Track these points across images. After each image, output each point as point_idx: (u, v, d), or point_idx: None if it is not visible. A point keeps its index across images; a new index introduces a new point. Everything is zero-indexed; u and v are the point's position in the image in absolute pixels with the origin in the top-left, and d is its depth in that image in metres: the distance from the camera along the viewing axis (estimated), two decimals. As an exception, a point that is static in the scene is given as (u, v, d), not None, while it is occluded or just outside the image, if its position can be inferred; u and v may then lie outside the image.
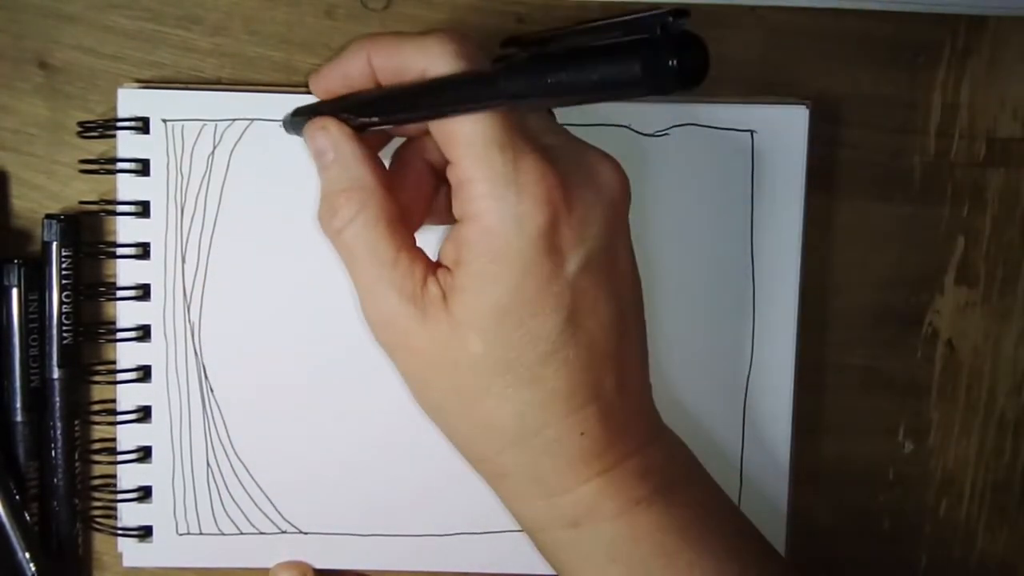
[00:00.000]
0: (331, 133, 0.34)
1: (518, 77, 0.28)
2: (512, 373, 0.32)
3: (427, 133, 0.33)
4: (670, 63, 0.24)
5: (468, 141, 0.31)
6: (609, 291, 0.33)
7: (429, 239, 0.35)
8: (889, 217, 0.45)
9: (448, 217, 0.34)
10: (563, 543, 0.34)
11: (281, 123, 0.40)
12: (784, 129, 0.43)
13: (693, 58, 0.24)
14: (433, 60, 0.31)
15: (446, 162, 0.33)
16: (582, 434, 0.33)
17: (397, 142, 0.38)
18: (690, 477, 0.36)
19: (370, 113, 0.34)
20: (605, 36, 0.26)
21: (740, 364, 0.44)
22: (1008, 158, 0.45)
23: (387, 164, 0.36)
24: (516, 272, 0.31)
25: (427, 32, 0.32)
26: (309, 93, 0.43)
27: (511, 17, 0.44)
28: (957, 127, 0.45)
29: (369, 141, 0.35)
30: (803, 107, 0.43)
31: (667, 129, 0.43)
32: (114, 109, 0.42)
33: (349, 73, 0.34)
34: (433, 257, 0.34)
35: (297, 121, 0.37)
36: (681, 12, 0.25)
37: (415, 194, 0.36)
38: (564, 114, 0.42)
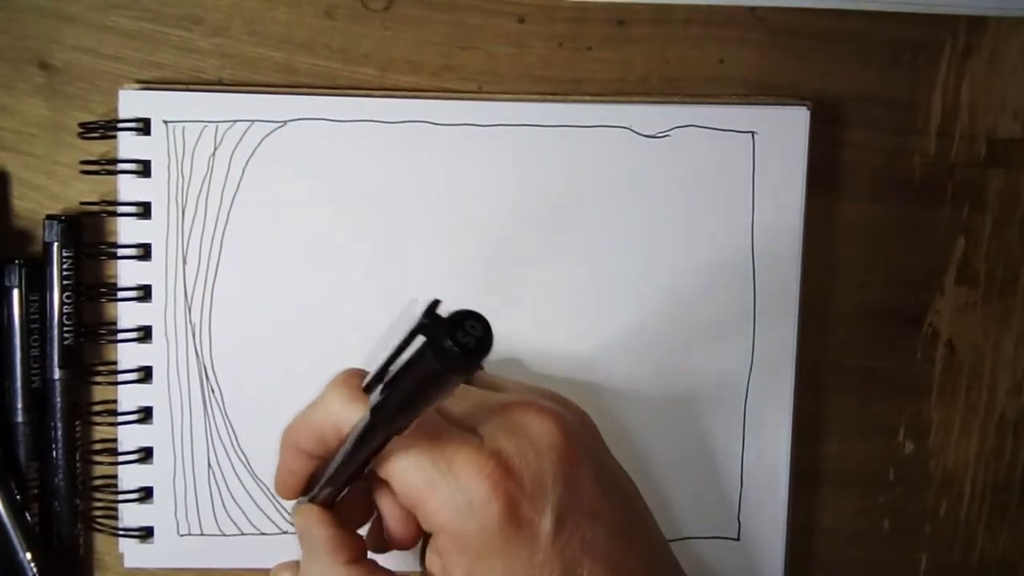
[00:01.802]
0: (303, 517, 0.36)
1: (381, 414, 0.30)
2: None
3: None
4: (447, 345, 0.26)
5: (403, 469, 0.32)
6: (592, 525, 0.33)
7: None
8: (889, 217, 0.45)
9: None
10: None
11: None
12: (785, 130, 0.43)
13: (466, 331, 0.26)
14: (336, 414, 0.33)
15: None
16: None
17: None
18: None
19: (328, 485, 0.35)
20: (411, 350, 0.28)
21: (741, 364, 0.44)
22: (1008, 158, 0.45)
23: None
24: (501, 564, 0.31)
25: (324, 389, 0.34)
26: (310, 94, 0.43)
27: (511, 17, 0.44)
28: (957, 127, 0.45)
29: (351, 507, 0.37)
30: (803, 108, 0.43)
31: (668, 131, 0.43)
32: (115, 110, 0.42)
33: (292, 469, 0.36)
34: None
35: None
36: (433, 304, 0.28)
37: (400, 518, 0.36)
38: (564, 115, 0.43)
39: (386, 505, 0.36)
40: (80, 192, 0.44)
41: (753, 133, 0.43)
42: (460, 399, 0.35)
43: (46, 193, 0.44)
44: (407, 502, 0.33)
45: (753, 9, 0.44)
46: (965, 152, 0.45)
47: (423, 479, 0.32)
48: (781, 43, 0.44)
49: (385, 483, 0.35)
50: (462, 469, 0.32)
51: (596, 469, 0.34)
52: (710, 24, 0.44)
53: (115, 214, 0.43)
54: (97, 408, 0.44)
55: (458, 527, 0.32)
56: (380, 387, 0.30)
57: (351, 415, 0.33)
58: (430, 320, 0.27)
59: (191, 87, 0.43)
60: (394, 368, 0.30)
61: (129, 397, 0.43)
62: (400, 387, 0.29)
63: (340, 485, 0.35)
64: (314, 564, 0.35)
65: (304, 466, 0.36)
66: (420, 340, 0.27)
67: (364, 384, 0.33)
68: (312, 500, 0.36)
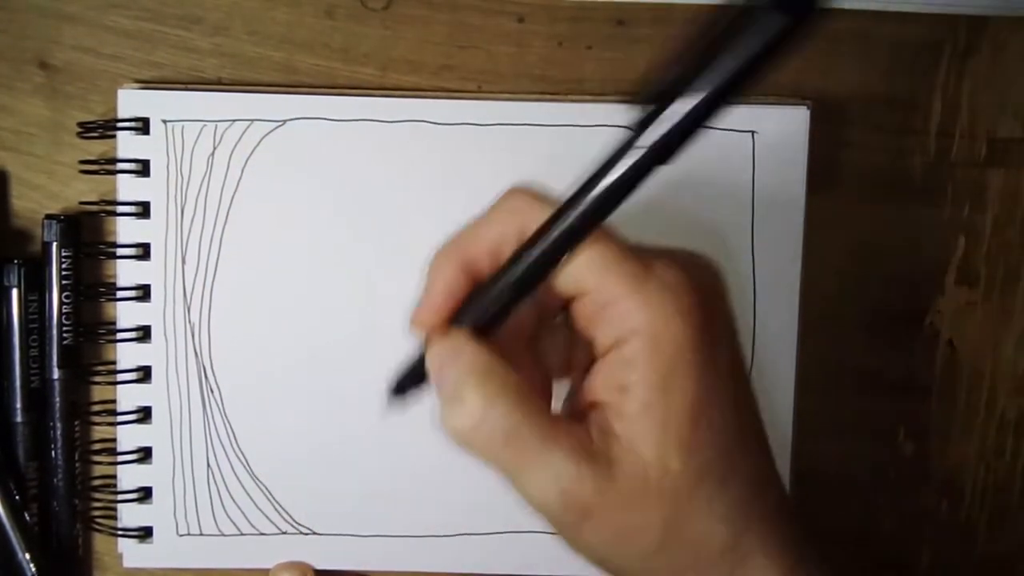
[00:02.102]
0: (454, 344, 0.31)
1: (660, 115, 0.27)
2: (712, 476, 0.30)
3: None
4: None
5: (600, 264, 0.30)
6: (744, 368, 0.32)
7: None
8: (889, 217, 0.45)
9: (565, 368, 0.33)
10: None
11: (390, 397, 0.34)
12: (785, 130, 0.43)
13: None
14: (522, 215, 0.31)
15: (564, 307, 0.31)
16: (777, 510, 0.31)
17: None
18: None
19: (494, 307, 0.31)
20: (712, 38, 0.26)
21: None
22: (1008, 158, 0.45)
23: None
24: (695, 372, 0.29)
25: (494, 204, 0.31)
26: (309, 93, 0.43)
27: (511, 17, 0.44)
28: (957, 127, 0.45)
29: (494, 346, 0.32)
30: (804, 108, 0.43)
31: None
32: (114, 109, 0.42)
33: (450, 290, 0.32)
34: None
35: (410, 378, 0.33)
36: None
37: (528, 361, 0.33)
38: (564, 115, 0.42)
39: (514, 348, 0.32)
40: (79, 192, 0.44)
41: (753, 133, 0.43)
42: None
43: (45, 193, 0.44)
44: (596, 301, 0.30)
45: (753, 9, 0.44)
46: (965, 152, 0.45)
47: (621, 274, 0.29)
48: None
49: (556, 296, 0.31)
50: (661, 271, 0.29)
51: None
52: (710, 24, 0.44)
53: (114, 214, 0.43)
54: (96, 408, 0.44)
55: (658, 329, 0.29)
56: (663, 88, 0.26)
57: (542, 213, 0.30)
58: None
59: (190, 87, 0.43)
60: (688, 59, 0.26)
61: (128, 397, 0.43)
62: (719, 67, 0.25)
63: (507, 304, 0.31)
64: (460, 373, 0.30)
65: (463, 289, 0.31)
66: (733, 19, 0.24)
67: (642, 90, 0.29)
68: None
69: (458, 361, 0.30)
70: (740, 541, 0.30)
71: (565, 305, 0.32)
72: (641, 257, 0.30)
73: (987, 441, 0.46)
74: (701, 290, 0.30)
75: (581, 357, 0.32)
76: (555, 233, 0.30)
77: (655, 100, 0.28)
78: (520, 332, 0.33)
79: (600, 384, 0.30)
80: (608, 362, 0.30)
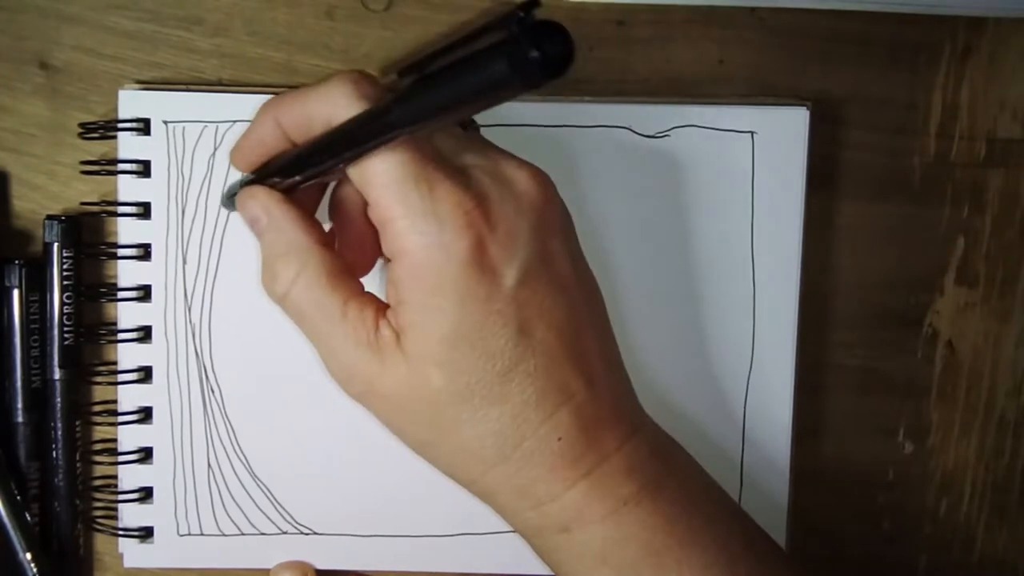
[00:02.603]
0: (260, 200, 0.35)
1: (407, 106, 0.29)
2: (477, 397, 0.32)
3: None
4: (532, 55, 0.24)
5: (382, 181, 0.31)
6: (554, 294, 0.33)
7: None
8: (889, 217, 0.45)
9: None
10: (556, 547, 0.35)
11: (221, 202, 0.41)
12: (784, 131, 0.43)
13: (555, 45, 0.24)
14: (335, 106, 0.32)
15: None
16: (559, 439, 0.33)
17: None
18: (675, 468, 0.36)
19: (291, 173, 0.34)
20: (472, 46, 0.26)
21: (740, 365, 0.44)
22: (1008, 158, 0.45)
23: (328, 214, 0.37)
24: (455, 300, 0.31)
25: (326, 79, 0.33)
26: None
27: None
28: (957, 128, 0.45)
29: (302, 200, 0.35)
30: (803, 109, 0.43)
31: (667, 131, 0.43)
32: (115, 110, 0.42)
33: (263, 140, 0.35)
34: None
35: (233, 198, 0.38)
36: (531, 4, 0.25)
37: (358, 239, 0.36)
38: (564, 115, 0.43)
39: (348, 215, 0.35)
40: (80, 192, 0.44)
41: (753, 133, 0.43)
42: (452, 136, 0.34)
43: (46, 193, 0.44)
44: (376, 215, 0.32)
45: (753, 9, 0.44)
46: (965, 152, 0.45)
47: (400, 195, 0.31)
48: (781, 43, 0.44)
49: (351, 192, 0.34)
50: (442, 196, 0.31)
51: (570, 249, 0.34)
52: (710, 24, 0.44)
53: (115, 214, 0.43)
54: (97, 408, 0.44)
55: (422, 254, 0.31)
56: (415, 77, 0.28)
57: (352, 113, 0.32)
58: (521, 20, 0.24)
59: (191, 87, 0.43)
60: (442, 61, 0.27)
61: (129, 397, 0.43)
62: (445, 84, 0.27)
63: (307, 176, 0.34)
64: (277, 245, 0.34)
65: (275, 142, 0.35)
66: (496, 37, 0.25)
67: (397, 69, 0.31)
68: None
69: (269, 215, 0.34)
70: (516, 453, 0.33)
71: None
72: (430, 177, 0.31)
73: (987, 441, 0.47)
74: (485, 214, 0.31)
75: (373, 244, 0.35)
76: (343, 128, 0.31)
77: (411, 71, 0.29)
78: (353, 204, 0.35)
79: (390, 287, 0.33)
80: (391, 269, 0.33)
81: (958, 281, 0.46)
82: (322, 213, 0.38)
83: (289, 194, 0.35)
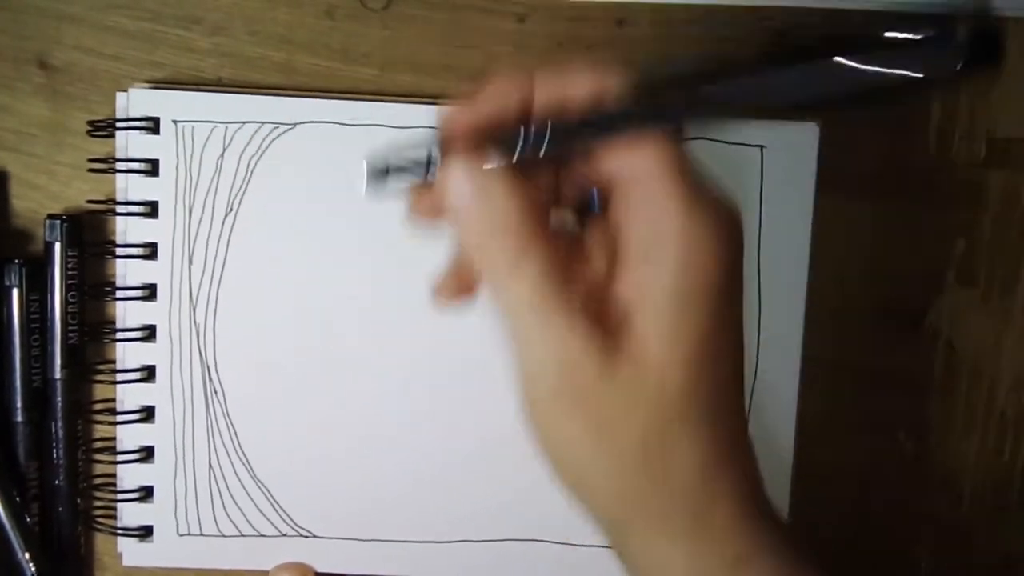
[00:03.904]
0: (480, 173, 0.30)
1: (811, 66, 0.26)
2: (698, 410, 0.29)
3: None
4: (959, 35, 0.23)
5: (664, 161, 0.29)
6: (742, 324, 0.31)
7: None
8: (889, 217, 0.45)
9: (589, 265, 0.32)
10: None
11: (371, 176, 0.33)
12: (794, 146, 0.43)
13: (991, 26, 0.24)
14: (608, 84, 0.29)
15: (602, 200, 0.31)
16: (746, 476, 0.31)
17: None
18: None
19: (539, 146, 0.30)
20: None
21: (744, 366, 0.44)
22: (1008, 158, 0.45)
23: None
24: (715, 301, 0.29)
25: (579, 63, 0.30)
26: (311, 96, 0.43)
27: (511, 17, 0.44)
28: (957, 127, 0.45)
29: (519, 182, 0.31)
30: (813, 124, 0.43)
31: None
32: (115, 110, 0.42)
33: (504, 105, 0.31)
34: None
35: (403, 170, 0.32)
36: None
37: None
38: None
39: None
40: (80, 192, 0.44)
41: (762, 147, 0.43)
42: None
43: (46, 193, 0.44)
44: (649, 195, 0.29)
45: (754, 9, 0.44)
46: (965, 152, 0.45)
47: (683, 181, 0.29)
48: (781, 43, 0.44)
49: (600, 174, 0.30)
50: (718, 198, 0.29)
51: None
52: (710, 24, 0.44)
53: (123, 213, 0.43)
54: (98, 407, 0.44)
55: (699, 245, 0.28)
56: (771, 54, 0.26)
57: (624, 93, 0.29)
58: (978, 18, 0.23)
59: (191, 87, 0.43)
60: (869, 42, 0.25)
61: (131, 396, 0.43)
62: (858, 68, 0.25)
63: (540, 161, 0.30)
64: (502, 217, 0.29)
65: (507, 112, 0.31)
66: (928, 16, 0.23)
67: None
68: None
69: (492, 202, 0.30)
70: (709, 485, 0.30)
71: (602, 188, 0.31)
72: (698, 177, 0.29)
73: (987, 441, 0.46)
74: (733, 234, 0.30)
75: (600, 243, 0.31)
76: (641, 107, 0.29)
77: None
78: (542, 205, 0.32)
79: (624, 286, 0.30)
80: (635, 267, 0.30)
81: (958, 281, 0.46)
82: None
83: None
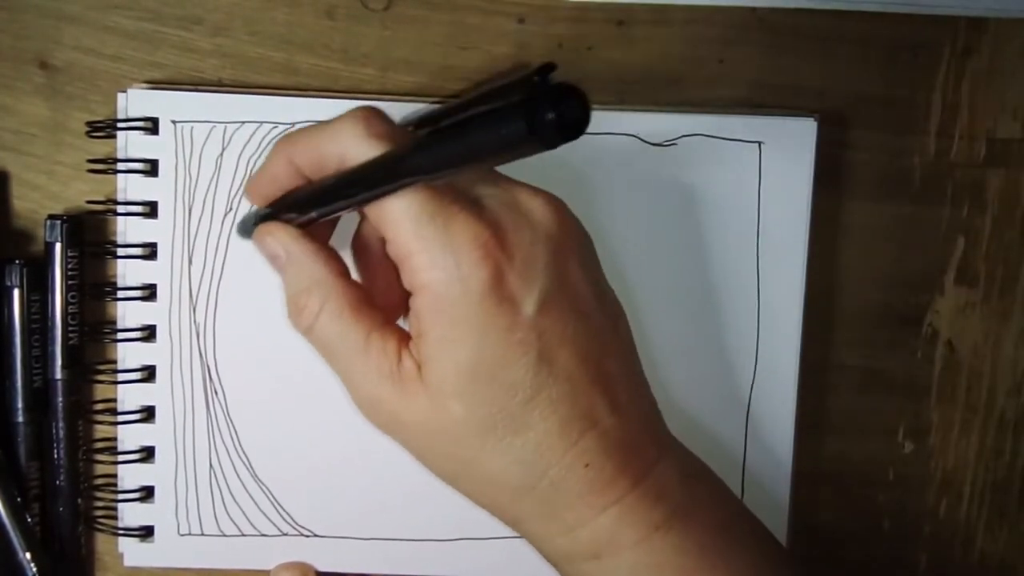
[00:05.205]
0: (278, 236, 0.35)
1: (423, 155, 0.29)
2: (500, 427, 0.32)
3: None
4: (548, 117, 0.25)
5: (398, 218, 0.32)
6: (575, 320, 0.33)
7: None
8: (889, 217, 0.45)
9: None
10: (587, 574, 0.34)
11: (235, 231, 0.42)
12: (792, 141, 0.43)
13: (571, 109, 0.26)
14: (347, 146, 0.32)
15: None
16: (586, 466, 0.33)
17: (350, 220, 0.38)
18: (706, 493, 0.36)
19: (307, 210, 0.35)
20: (490, 103, 0.27)
21: (745, 367, 0.44)
22: (1008, 158, 0.45)
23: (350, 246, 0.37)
24: (475, 332, 0.31)
25: (338, 116, 0.33)
26: (312, 96, 0.43)
27: (511, 18, 0.44)
28: (957, 127, 0.45)
29: (319, 232, 0.36)
30: (811, 120, 0.43)
31: (675, 139, 0.43)
32: (115, 110, 0.42)
33: (277, 176, 0.35)
34: None
35: (247, 229, 0.38)
36: (548, 67, 0.26)
37: (384, 276, 0.36)
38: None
39: (370, 252, 0.36)
40: (80, 192, 0.44)
41: (760, 143, 0.43)
42: None
43: (46, 193, 0.44)
44: (394, 252, 0.33)
45: (753, 9, 0.44)
46: (965, 152, 0.45)
47: (416, 231, 0.31)
48: (781, 44, 0.44)
49: (371, 229, 0.34)
50: (458, 230, 0.31)
51: (590, 275, 0.34)
52: (710, 24, 0.44)
53: (122, 213, 0.43)
54: (99, 407, 0.44)
55: (441, 288, 0.31)
56: (428, 130, 0.29)
57: (363, 153, 0.32)
58: (538, 82, 0.26)
59: (191, 87, 0.43)
60: (458, 116, 0.28)
61: (132, 396, 0.43)
62: (459, 139, 0.28)
63: (323, 214, 0.34)
64: (299, 280, 0.34)
65: (288, 179, 0.35)
66: (513, 98, 0.26)
67: (412, 121, 0.32)
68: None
69: (291, 262, 0.35)
70: (543, 481, 0.33)
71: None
72: (446, 211, 0.31)
73: (987, 441, 0.47)
74: (501, 244, 0.32)
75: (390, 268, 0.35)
76: (369, 173, 0.32)
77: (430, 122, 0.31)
78: (375, 242, 0.36)
79: (412, 319, 0.33)
80: (412, 302, 0.33)
81: (958, 281, 0.46)
82: (337, 241, 0.38)
83: (305, 228, 0.35)
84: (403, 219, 0.31)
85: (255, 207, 0.38)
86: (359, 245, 0.37)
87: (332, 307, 0.34)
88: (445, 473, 0.35)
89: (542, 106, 0.25)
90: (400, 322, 0.35)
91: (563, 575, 0.36)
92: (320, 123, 0.34)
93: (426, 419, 0.33)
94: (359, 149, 0.32)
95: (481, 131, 0.27)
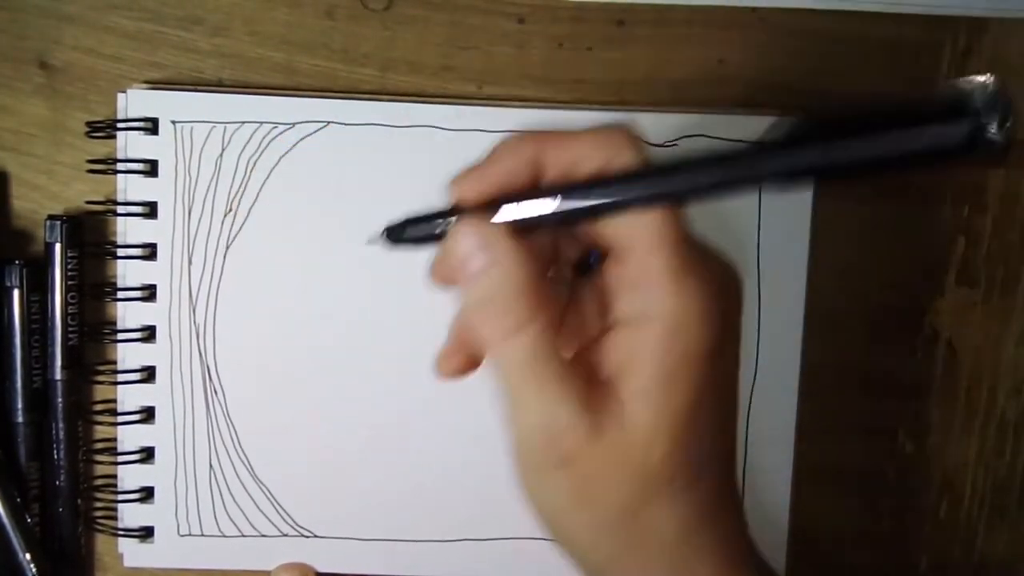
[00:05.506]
0: (487, 236, 0.31)
1: (809, 148, 0.28)
2: (681, 475, 0.30)
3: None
4: (991, 131, 0.24)
5: (655, 235, 0.29)
6: (736, 383, 0.32)
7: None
8: (889, 217, 0.45)
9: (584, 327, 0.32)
10: None
11: (383, 236, 0.34)
12: None
13: (1003, 130, 0.24)
14: (615, 153, 0.30)
15: (593, 263, 0.32)
16: (740, 533, 0.32)
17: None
18: None
19: (538, 217, 0.31)
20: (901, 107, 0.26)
21: (745, 367, 0.44)
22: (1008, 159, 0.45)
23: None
24: (699, 377, 0.30)
25: (594, 128, 0.31)
26: (312, 96, 0.43)
27: (511, 18, 0.44)
28: (957, 128, 0.45)
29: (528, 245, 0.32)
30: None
31: (675, 140, 0.43)
32: (115, 110, 0.42)
33: (513, 172, 0.31)
34: None
35: (418, 229, 0.33)
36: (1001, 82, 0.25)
37: (576, 296, 0.33)
38: (570, 121, 0.43)
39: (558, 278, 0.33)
40: (80, 192, 0.44)
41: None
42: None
43: (46, 193, 0.44)
44: (630, 274, 0.30)
45: (753, 9, 0.44)
46: (965, 152, 0.45)
47: (671, 256, 0.29)
48: (781, 43, 0.44)
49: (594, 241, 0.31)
50: (704, 272, 0.30)
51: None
52: (710, 24, 0.44)
53: (122, 214, 0.42)
54: (99, 408, 0.44)
55: (683, 324, 0.29)
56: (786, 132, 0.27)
57: (631, 161, 0.30)
58: (981, 91, 0.24)
59: (191, 88, 0.43)
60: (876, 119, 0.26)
61: (132, 397, 0.43)
62: (875, 141, 0.26)
63: (546, 224, 0.31)
64: (508, 284, 0.30)
65: (518, 179, 0.31)
66: (952, 103, 0.24)
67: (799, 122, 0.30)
68: None
69: (497, 262, 0.30)
70: (690, 543, 0.31)
71: (599, 255, 0.32)
72: (693, 248, 0.30)
73: (987, 441, 0.47)
74: (727, 300, 0.31)
75: (591, 309, 0.32)
76: (639, 184, 0.30)
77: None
78: (543, 262, 0.33)
79: (613, 348, 0.30)
80: (625, 331, 0.30)
81: (958, 281, 0.46)
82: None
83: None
84: (661, 237, 0.29)
85: (409, 211, 0.34)
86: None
87: (542, 321, 0.30)
88: (599, 523, 0.31)
89: (986, 116, 0.24)
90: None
91: None
92: (568, 130, 0.32)
93: (614, 457, 0.30)
94: (626, 157, 0.30)
95: (907, 131, 0.25)
